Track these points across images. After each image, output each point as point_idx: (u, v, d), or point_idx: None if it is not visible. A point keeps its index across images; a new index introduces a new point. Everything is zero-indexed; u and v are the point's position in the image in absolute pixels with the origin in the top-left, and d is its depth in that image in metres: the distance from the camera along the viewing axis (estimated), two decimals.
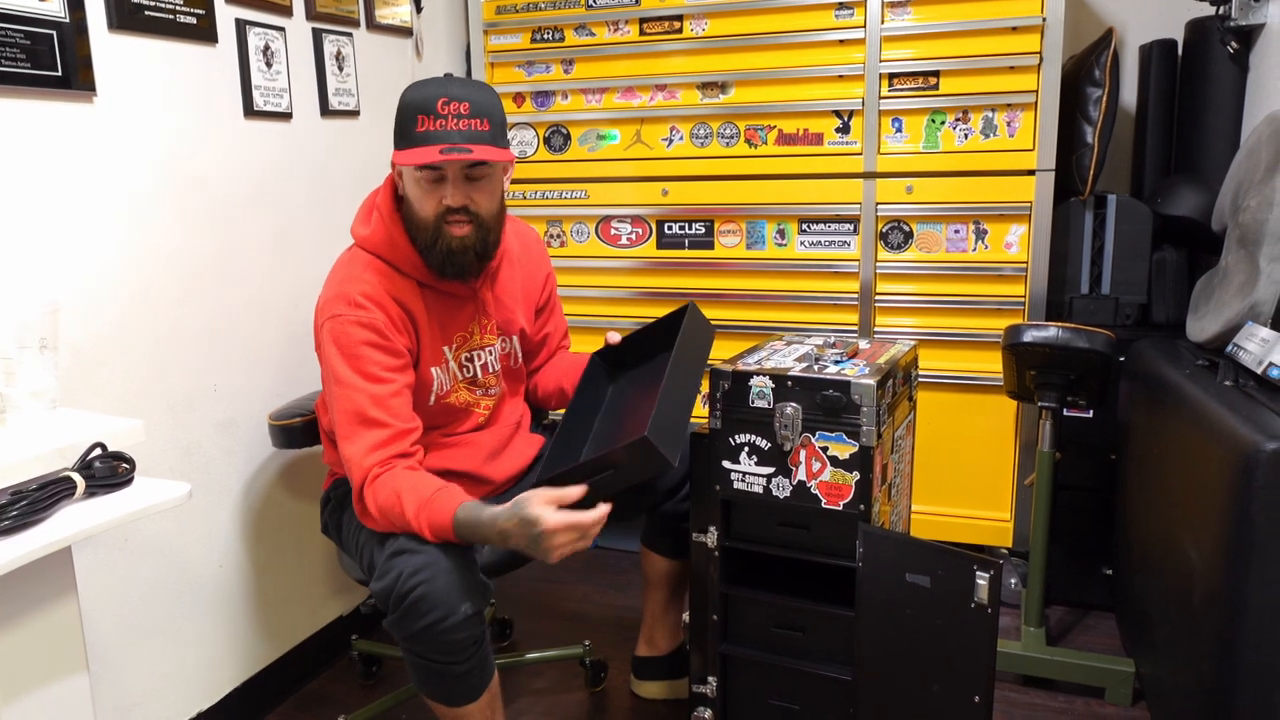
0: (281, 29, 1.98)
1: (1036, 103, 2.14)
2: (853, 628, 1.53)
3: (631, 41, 2.44)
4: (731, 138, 2.40)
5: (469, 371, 1.67)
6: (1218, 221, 1.93)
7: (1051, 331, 1.87)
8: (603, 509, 1.37)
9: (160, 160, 1.73)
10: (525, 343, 1.81)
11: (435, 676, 1.46)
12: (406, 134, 1.49)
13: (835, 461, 1.53)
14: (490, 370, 1.71)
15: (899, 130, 2.26)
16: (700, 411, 2.49)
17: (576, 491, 1.38)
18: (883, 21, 2.21)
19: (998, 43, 2.15)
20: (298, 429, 1.82)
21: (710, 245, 2.46)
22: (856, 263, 2.33)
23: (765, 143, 2.37)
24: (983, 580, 1.36)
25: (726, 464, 1.61)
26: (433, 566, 1.38)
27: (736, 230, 2.44)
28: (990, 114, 2.19)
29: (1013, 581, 2.30)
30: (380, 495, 1.45)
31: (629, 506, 1.84)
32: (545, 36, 2.53)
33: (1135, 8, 2.52)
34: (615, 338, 1.73)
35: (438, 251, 1.53)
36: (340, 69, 2.17)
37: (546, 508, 1.35)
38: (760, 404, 1.57)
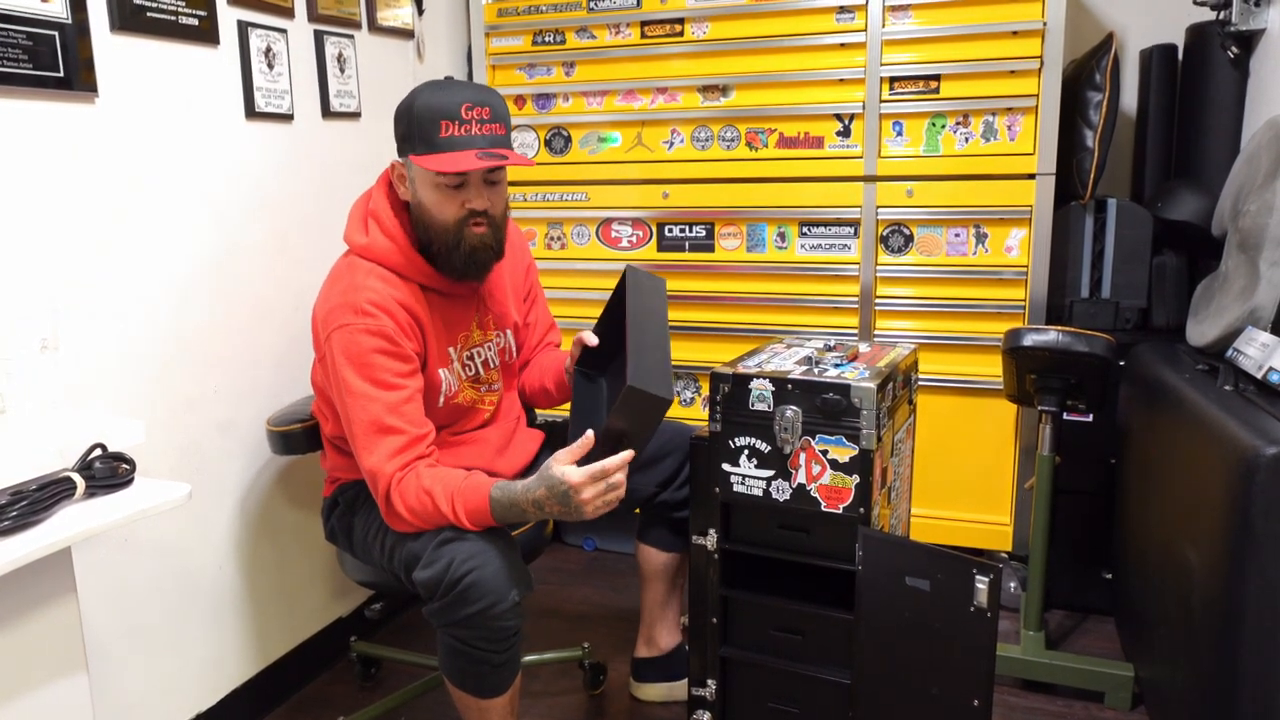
0: (283, 31, 1.99)
1: (1037, 107, 2.14)
2: (852, 631, 1.53)
3: (633, 44, 2.44)
4: (732, 140, 2.40)
5: (471, 370, 1.68)
6: (1218, 226, 1.93)
7: (1051, 335, 1.87)
8: (625, 454, 1.42)
9: (162, 161, 1.73)
10: (518, 335, 1.82)
11: (474, 664, 1.48)
12: (430, 140, 1.48)
13: (835, 465, 1.53)
14: (491, 366, 1.72)
15: (899, 134, 2.26)
16: (700, 415, 2.50)
17: (588, 440, 1.42)
18: (883, 25, 2.21)
19: (998, 47, 2.16)
20: (297, 435, 1.79)
21: (711, 248, 2.46)
22: (857, 266, 2.33)
23: (766, 145, 2.37)
24: (982, 584, 1.36)
25: (726, 467, 1.61)
26: (484, 554, 1.42)
27: (737, 233, 2.44)
28: (991, 118, 2.19)
29: (1012, 585, 2.30)
30: (409, 497, 1.46)
31: (624, 502, 1.84)
32: (546, 39, 2.53)
33: (1136, 12, 2.53)
34: (592, 340, 1.71)
35: (461, 253, 1.55)
36: (342, 71, 2.17)
37: (568, 466, 1.40)
38: (760, 407, 1.57)
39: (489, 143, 1.50)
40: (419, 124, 1.49)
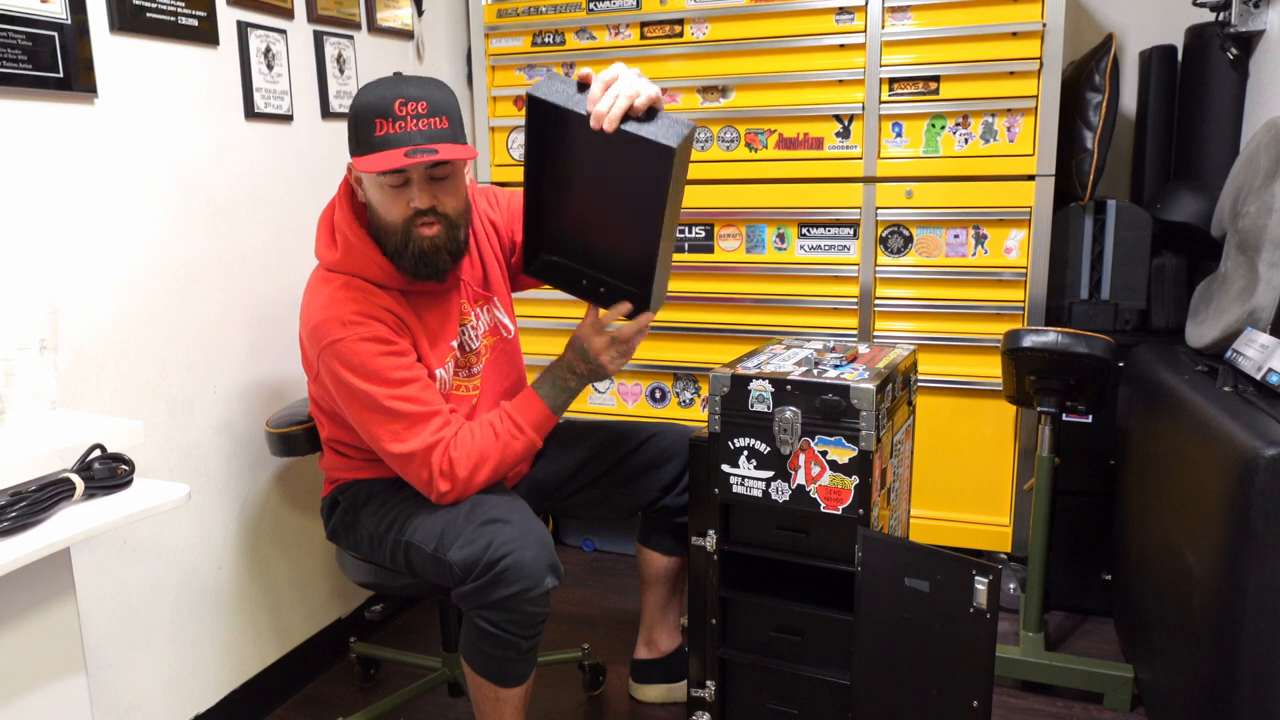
0: (283, 31, 1.99)
1: (1036, 108, 2.15)
2: (851, 632, 1.53)
3: (632, 45, 2.44)
4: (732, 141, 2.40)
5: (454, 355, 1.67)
6: (1217, 227, 1.93)
7: (1051, 337, 1.87)
8: (623, 305, 1.55)
9: (161, 162, 1.73)
10: (509, 284, 1.79)
11: (502, 648, 1.48)
12: (364, 140, 1.45)
13: (834, 466, 1.53)
14: (469, 349, 1.68)
15: (899, 135, 2.26)
16: (700, 416, 2.50)
17: (620, 310, 1.55)
18: (883, 26, 2.21)
19: (998, 48, 2.16)
20: (297, 437, 1.79)
21: (710, 249, 2.46)
22: (856, 267, 2.33)
23: (765, 146, 2.37)
24: (981, 585, 1.36)
25: (726, 468, 1.61)
26: (522, 539, 1.44)
27: (736, 234, 2.44)
28: (990, 119, 2.19)
29: (1012, 586, 2.30)
30: (467, 443, 1.52)
31: (624, 507, 1.85)
32: (546, 40, 2.53)
33: (1135, 14, 2.53)
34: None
35: (410, 255, 1.51)
36: (341, 71, 2.17)
37: (586, 328, 1.58)
38: (759, 408, 1.57)
39: (425, 138, 1.43)
40: (356, 124, 1.46)
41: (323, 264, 1.58)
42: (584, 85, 1.38)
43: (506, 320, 1.76)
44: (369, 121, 1.44)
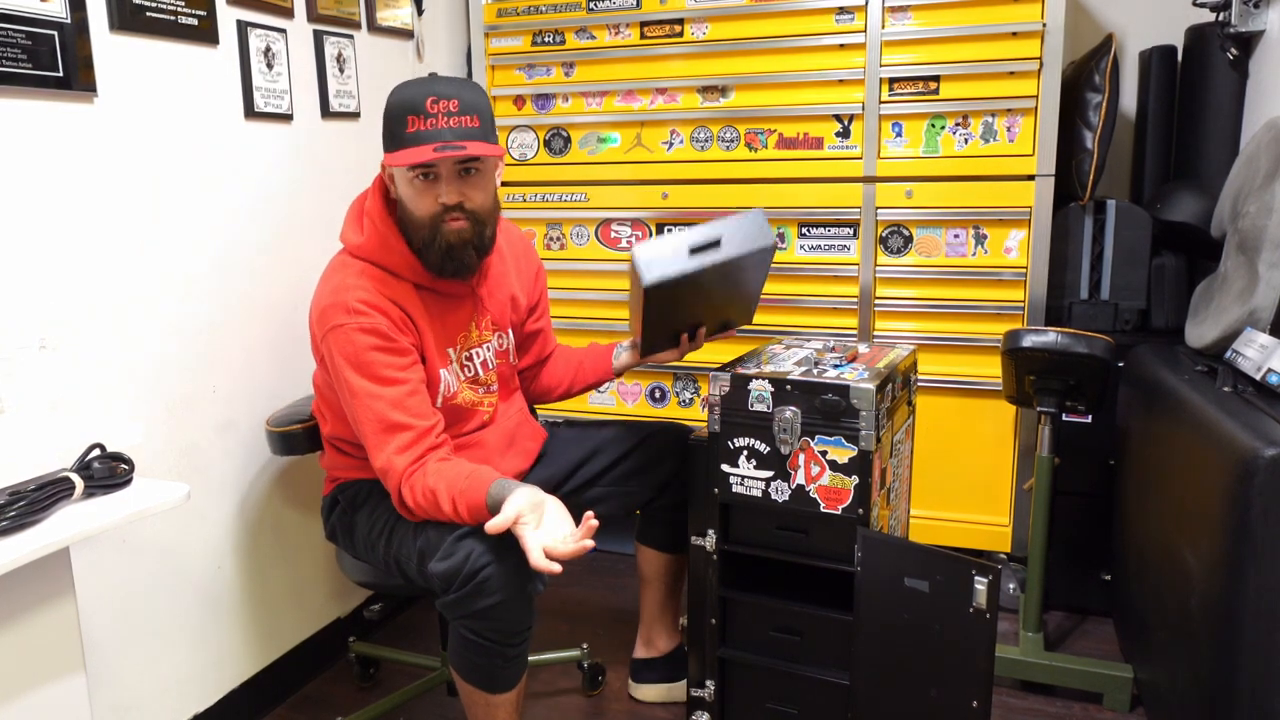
0: (283, 30, 1.99)
1: (1036, 108, 2.14)
2: (851, 632, 1.53)
3: (632, 45, 2.44)
4: (731, 141, 2.40)
5: (470, 370, 1.67)
6: (1217, 227, 1.93)
7: (1051, 337, 1.87)
8: (588, 540, 1.36)
9: (161, 161, 1.73)
10: (517, 336, 1.82)
11: (486, 657, 1.48)
12: (396, 135, 1.49)
13: (834, 466, 1.53)
14: (490, 367, 1.72)
15: (899, 135, 2.26)
16: (700, 416, 2.50)
17: (580, 536, 1.37)
18: (883, 26, 2.21)
19: (998, 48, 2.16)
20: (297, 435, 1.80)
21: None
22: (856, 267, 2.33)
23: (765, 146, 2.37)
24: (981, 585, 1.36)
25: (725, 468, 1.61)
26: (501, 548, 1.42)
27: None
28: (990, 119, 2.19)
29: (1011, 586, 2.30)
30: (416, 493, 1.48)
31: (623, 505, 1.85)
32: (546, 39, 2.53)
33: (1135, 14, 2.53)
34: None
35: (436, 249, 1.53)
36: (341, 71, 2.17)
37: (555, 533, 1.37)
38: (759, 408, 1.57)
39: (455, 135, 1.47)
40: (389, 120, 1.50)
41: (346, 248, 1.60)
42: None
43: (514, 358, 1.81)
44: (401, 118, 1.48)
